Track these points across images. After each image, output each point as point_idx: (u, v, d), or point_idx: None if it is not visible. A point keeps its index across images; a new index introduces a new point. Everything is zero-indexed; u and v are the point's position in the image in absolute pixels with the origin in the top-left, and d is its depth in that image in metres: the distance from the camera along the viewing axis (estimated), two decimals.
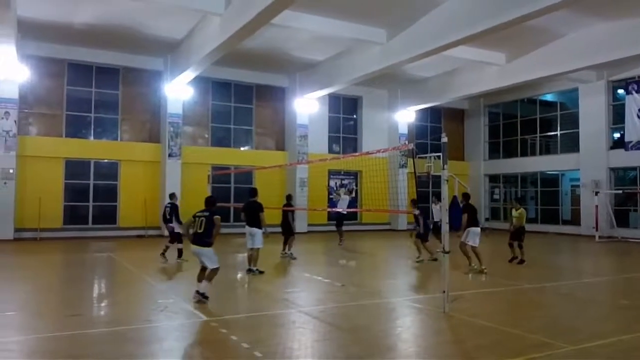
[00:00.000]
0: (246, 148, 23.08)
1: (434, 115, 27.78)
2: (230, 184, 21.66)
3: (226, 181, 21.39)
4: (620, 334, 6.43)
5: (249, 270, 10.77)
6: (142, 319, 7.18)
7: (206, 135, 22.22)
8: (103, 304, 8.53)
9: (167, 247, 12.47)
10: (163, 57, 19.92)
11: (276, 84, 23.15)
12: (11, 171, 17.30)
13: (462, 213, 11.25)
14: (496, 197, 28.07)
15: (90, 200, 19.37)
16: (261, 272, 10.65)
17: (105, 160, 20.05)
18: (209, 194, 17.34)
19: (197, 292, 7.78)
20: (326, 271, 12.25)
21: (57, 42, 18.26)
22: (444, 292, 7.29)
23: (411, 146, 8.78)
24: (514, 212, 12.94)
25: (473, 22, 13.54)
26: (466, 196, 11.69)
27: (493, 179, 28.26)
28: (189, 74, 18.30)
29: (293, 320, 7.06)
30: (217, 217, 7.97)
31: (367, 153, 11.35)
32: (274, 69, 21.97)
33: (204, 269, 7.88)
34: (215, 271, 7.88)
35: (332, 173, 24.40)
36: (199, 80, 20.12)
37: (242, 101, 22.93)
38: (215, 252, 7.98)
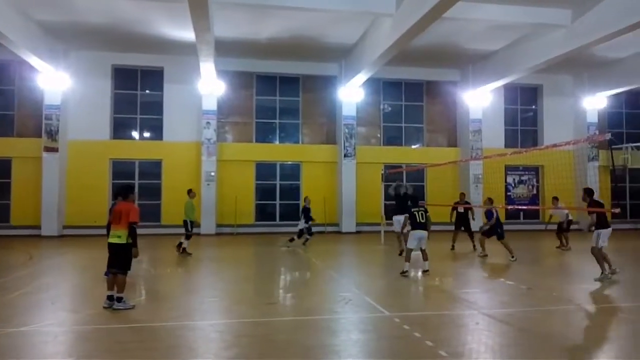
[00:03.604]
0: (417, 146, 23.03)
1: (631, 101, 24.47)
2: (403, 182, 21.76)
3: (398, 179, 21.57)
4: None
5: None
6: (329, 310, 7.68)
7: (378, 135, 22.72)
8: (295, 294, 9.25)
9: None
10: (337, 62, 20.93)
11: (447, 79, 22.69)
12: (212, 174, 19.80)
13: (590, 212, 9.80)
14: None
15: (277, 199, 21.21)
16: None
17: (289, 162, 21.78)
18: (382, 191, 17.91)
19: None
20: (507, 272, 11.66)
21: (247, 56, 20.36)
22: None
23: (608, 136, 7.91)
24: None
25: None
26: (589, 192, 10.01)
27: None
28: (362, 77, 18.91)
29: (477, 321, 6.92)
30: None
31: (554, 146, 10.50)
32: (445, 63, 21.56)
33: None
34: None
35: (509, 169, 23.09)
36: (370, 82, 20.65)
37: (412, 99, 22.96)
38: None
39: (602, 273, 9.76)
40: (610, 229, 9.79)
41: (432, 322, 6.98)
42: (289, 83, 21.83)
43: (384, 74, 20.99)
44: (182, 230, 13.64)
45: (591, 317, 7.40)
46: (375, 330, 6.59)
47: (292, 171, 21.78)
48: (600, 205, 10.23)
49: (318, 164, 21.51)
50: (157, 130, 20.82)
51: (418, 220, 10.44)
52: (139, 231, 7.45)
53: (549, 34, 16.41)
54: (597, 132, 22.19)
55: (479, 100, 21.80)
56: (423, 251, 10.51)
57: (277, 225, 20.89)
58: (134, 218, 7.34)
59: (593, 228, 9.77)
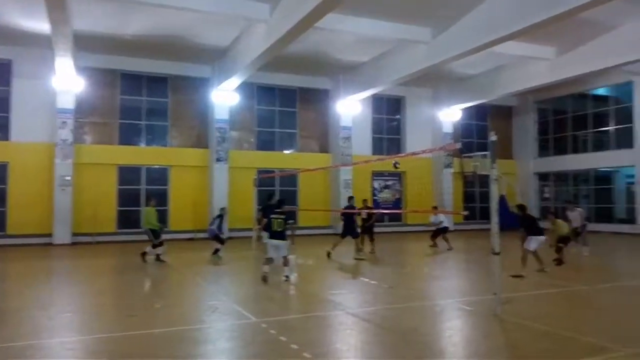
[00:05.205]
0: (290, 151, 23.34)
1: (480, 113, 27.21)
2: (276, 187, 21.94)
3: (272, 184, 21.69)
4: None
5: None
6: (196, 319, 7.40)
7: (252, 140, 22.60)
8: (158, 306, 8.79)
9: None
10: (210, 64, 20.44)
11: (319, 87, 23.32)
12: (68, 178, 18.16)
13: (521, 225, 11.18)
14: (547, 196, 27.21)
15: (142, 205, 20.04)
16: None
17: (156, 166, 20.74)
18: (254, 197, 17.85)
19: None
20: (373, 273, 12.22)
21: (110, 53, 19.05)
22: (495, 294, 7.17)
23: (458, 145, 8.66)
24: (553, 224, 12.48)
25: (522, 17, 13.23)
26: (521, 208, 11.45)
27: (543, 177, 27.42)
28: (235, 80, 18.70)
29: (341, 321, 7.12)
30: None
31: (413, 153, 11.27)
32: (317, 72, 22.15)
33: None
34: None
35: (375, 174, 24.36)
36: (244, 86, 20.49)
37: (286, 105, 23.23)
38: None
39: (540, 268, 10.91)
40: (543, 237, 10.99)
41: (299, 325, 7.05)
42: (157, 83, 20.82)
43: (258, 78, 20.98)
44: (29, 240, 12.33)
45: (444, 312, 7.99)
46: (242, 337, 6.48)
47: (160, 175, 20.75)
48: (532, 218, 11.44)
49: (188, 168, 20.77)
50: (2, 130, 18.55)
51: (273, 229, 10.07)
52: None
53: (412, 49, 17.63)
54: (452, 141, 24.29)
55: (349, 108, 22.71)
56: (284, 258, 10.17)
57: (143, 233, 19.71)
58: None
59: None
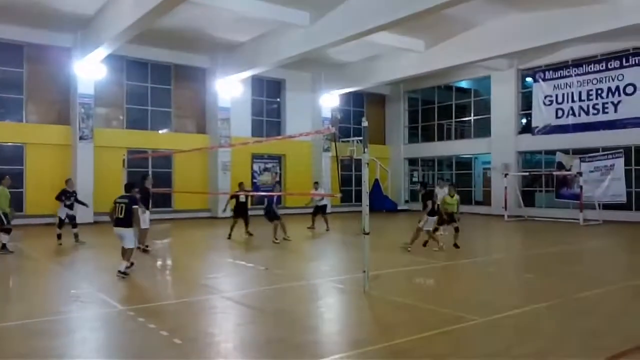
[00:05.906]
0: (165, 131, 22.24)
1: (356, 100, 28.20)
2: (148, 168, 20.77)
3: (144, 166, 20.48)
4: (525, 305, 6.91)
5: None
6: (54, 310, 6.76)
7: (121, 117, 21.14)
8: (9, 297, 7.92)
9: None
10: (72, 33, 18.60)
11: (196, 65, 22.43)
12: None
13: (422, 200, 12.06)
14: (415, 179, 29.12)
15: None
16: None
17: (9, 144, 18.55)
18: (124, 179, 16.75)
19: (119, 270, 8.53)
20: (249, 256, 12.15)
21: None
22: (364, 272, 7.46)
23: (333, 130, 8.84)
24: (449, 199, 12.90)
25: (393, 9, 13.83)
26: (424, 185, 12.63)
27: (412, 162, 29.30)
28: (102, 52, 17.26)
29: (214, 305, 6.95)
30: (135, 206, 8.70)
31: (290, 137, 11.31)
32: (194, 48, 21.26)
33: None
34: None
35: (255, 157, 24.19)
36: (113, 59, 19.05)
37: (159, 82, 22.01)
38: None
39: (405, 243, 11.81)
40: (434, 218, 11.71)
41: (170, 311, 6.76)
42: (11, 51, 18.53)
43: (129, 51, 19.65)
44: None
45: (317, 290, 8.17)
46: (106, 327, 6.07)
47: (13, 154, 18.56)
48: (430, 194, 12.15)
49: (47, 146, 18.82)
50: None
51: (116, 215, 8.78)
52: None
53: (291, 33, 17.60)
54: (330, 126, 24.87)
55: (228, 89, 22.13)
56: (128, 250, 8.76)
57: None
58: None
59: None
